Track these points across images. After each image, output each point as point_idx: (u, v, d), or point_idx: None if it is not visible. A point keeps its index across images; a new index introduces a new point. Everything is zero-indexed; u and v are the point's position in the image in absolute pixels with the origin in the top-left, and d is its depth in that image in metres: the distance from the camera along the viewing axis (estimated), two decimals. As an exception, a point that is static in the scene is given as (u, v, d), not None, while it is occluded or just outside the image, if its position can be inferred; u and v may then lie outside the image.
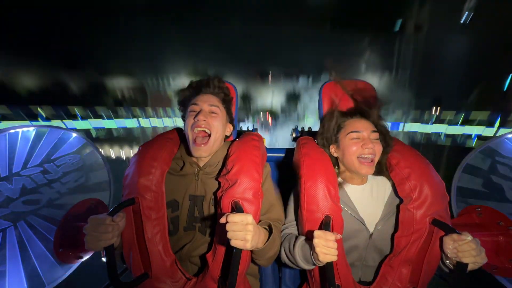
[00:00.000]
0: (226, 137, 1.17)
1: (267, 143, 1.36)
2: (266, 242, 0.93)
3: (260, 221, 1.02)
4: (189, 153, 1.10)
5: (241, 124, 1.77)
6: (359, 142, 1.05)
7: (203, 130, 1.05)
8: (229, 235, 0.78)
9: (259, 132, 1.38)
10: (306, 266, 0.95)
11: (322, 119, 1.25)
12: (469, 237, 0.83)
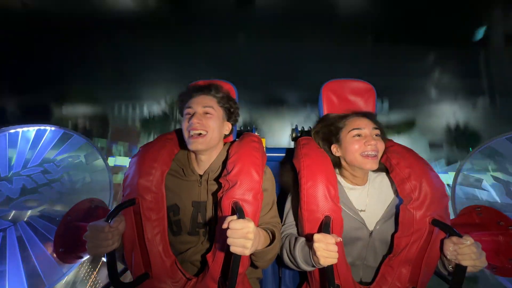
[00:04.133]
0: (225, 136, 1.17)
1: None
2: (267, 246, 0.93)
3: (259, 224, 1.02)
4: (188, 164, 1.10)
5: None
6: (361, 139, 1.04)
7: (198, 133, 1.04)
8: (229, 241, 0.78)
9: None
10: (307, 268, 0.95)
11: (317, 123, 1.24)
12: (470, 241, 0.83)
